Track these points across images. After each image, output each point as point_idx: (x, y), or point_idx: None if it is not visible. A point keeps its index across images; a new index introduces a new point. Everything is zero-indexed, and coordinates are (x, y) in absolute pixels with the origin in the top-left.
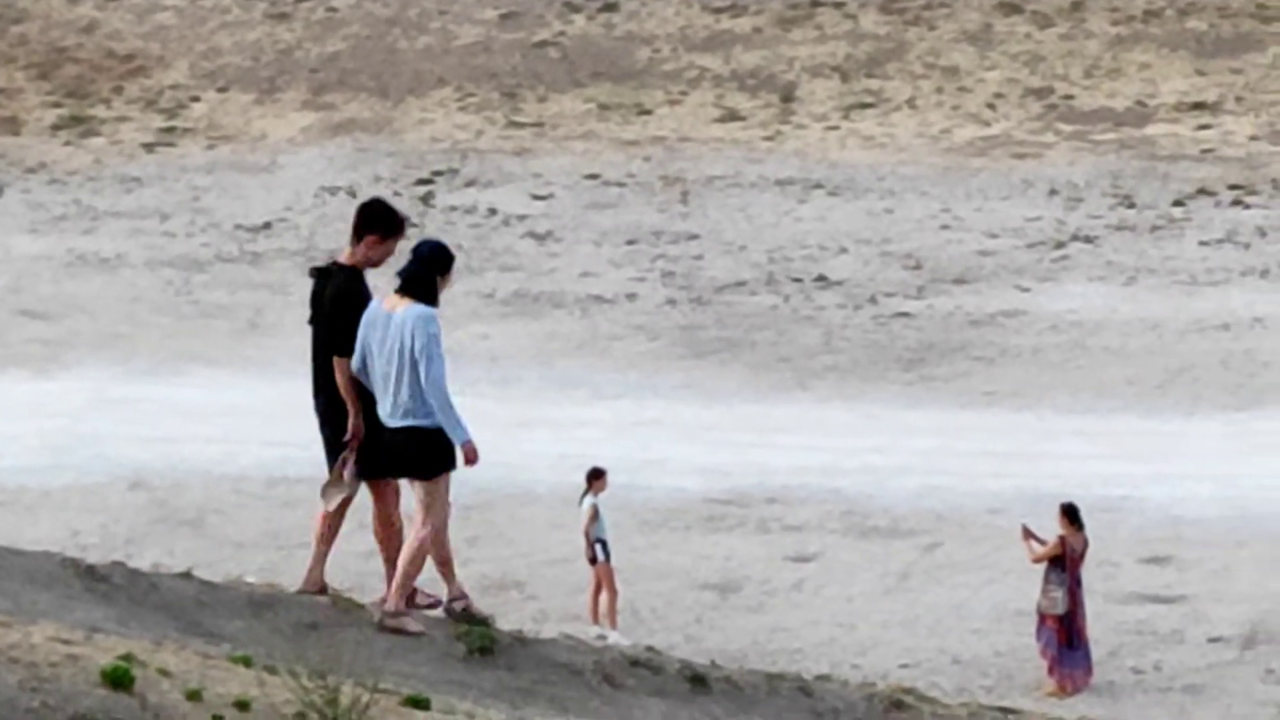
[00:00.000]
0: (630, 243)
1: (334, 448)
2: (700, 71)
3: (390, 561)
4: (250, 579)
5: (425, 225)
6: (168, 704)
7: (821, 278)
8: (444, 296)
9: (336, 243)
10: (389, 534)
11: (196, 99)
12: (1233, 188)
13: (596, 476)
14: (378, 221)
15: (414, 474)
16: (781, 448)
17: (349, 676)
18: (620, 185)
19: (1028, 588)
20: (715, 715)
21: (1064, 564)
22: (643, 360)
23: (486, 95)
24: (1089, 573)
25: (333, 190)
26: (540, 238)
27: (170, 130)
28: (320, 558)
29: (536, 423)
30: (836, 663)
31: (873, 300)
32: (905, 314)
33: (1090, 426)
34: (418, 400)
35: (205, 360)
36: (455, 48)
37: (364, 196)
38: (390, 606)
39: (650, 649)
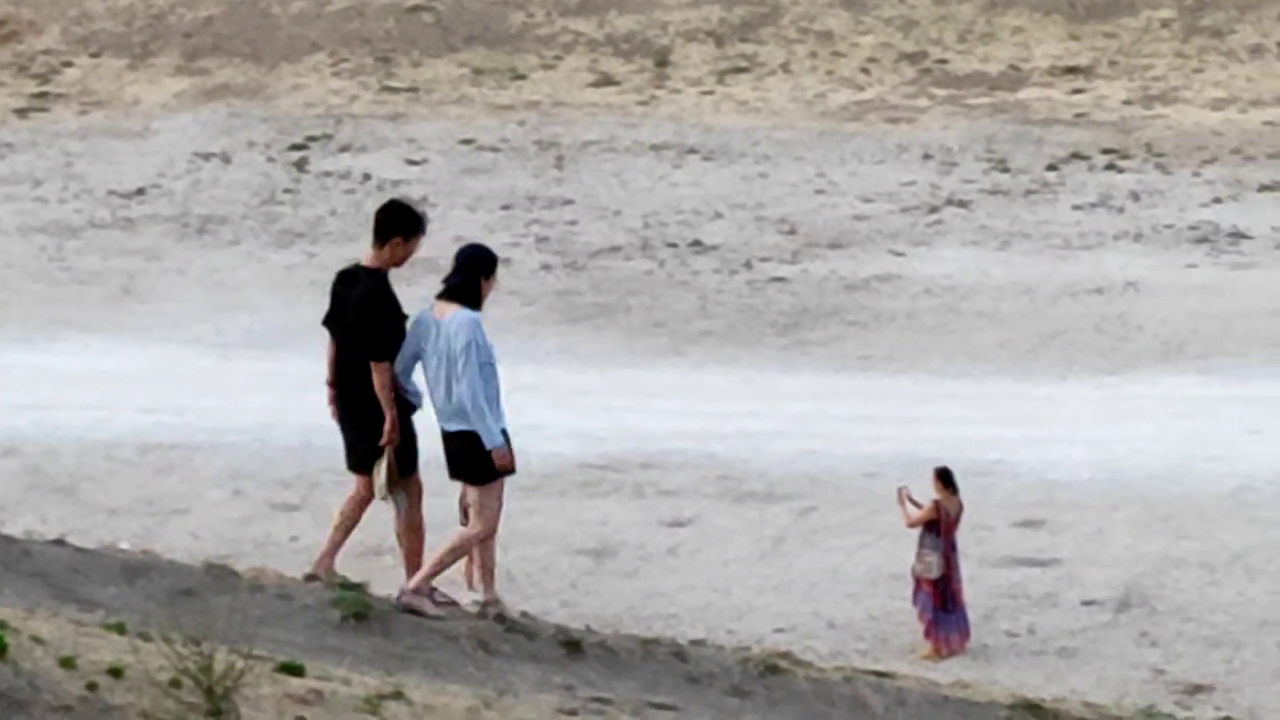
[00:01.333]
0: (505, 208)
1: (356, 450)
2: (575, 36)
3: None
4: (124, 545)
5: (300, 191)
6: (41, 671)
7: (696, 243)
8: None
9: (211, 209)
10: (410, 536)
11: (69, 64)
12: (1106, 152)
13: None
14: (401, 223)
15: (466, 478)
16: (657, 413)
17: (223, 643)
18: (495, 150)
19: (903, 552)
20: (589, 680)
21: (939, 528)
22: (518, 325)
23: (360, 60)
24: (963, 536)
25: (206, 156)
26: (415, 203)
27: (43, 96)
28: (334, 545)
29: None
30: (712, 627)
31: (748, 265)
32: (780, 279)
33: (964, 390)
34: (468, 405)
35: (78, 326)
36: (328, 13)
37: (239, 163)
38: (412, 585)
39: (525, 614)
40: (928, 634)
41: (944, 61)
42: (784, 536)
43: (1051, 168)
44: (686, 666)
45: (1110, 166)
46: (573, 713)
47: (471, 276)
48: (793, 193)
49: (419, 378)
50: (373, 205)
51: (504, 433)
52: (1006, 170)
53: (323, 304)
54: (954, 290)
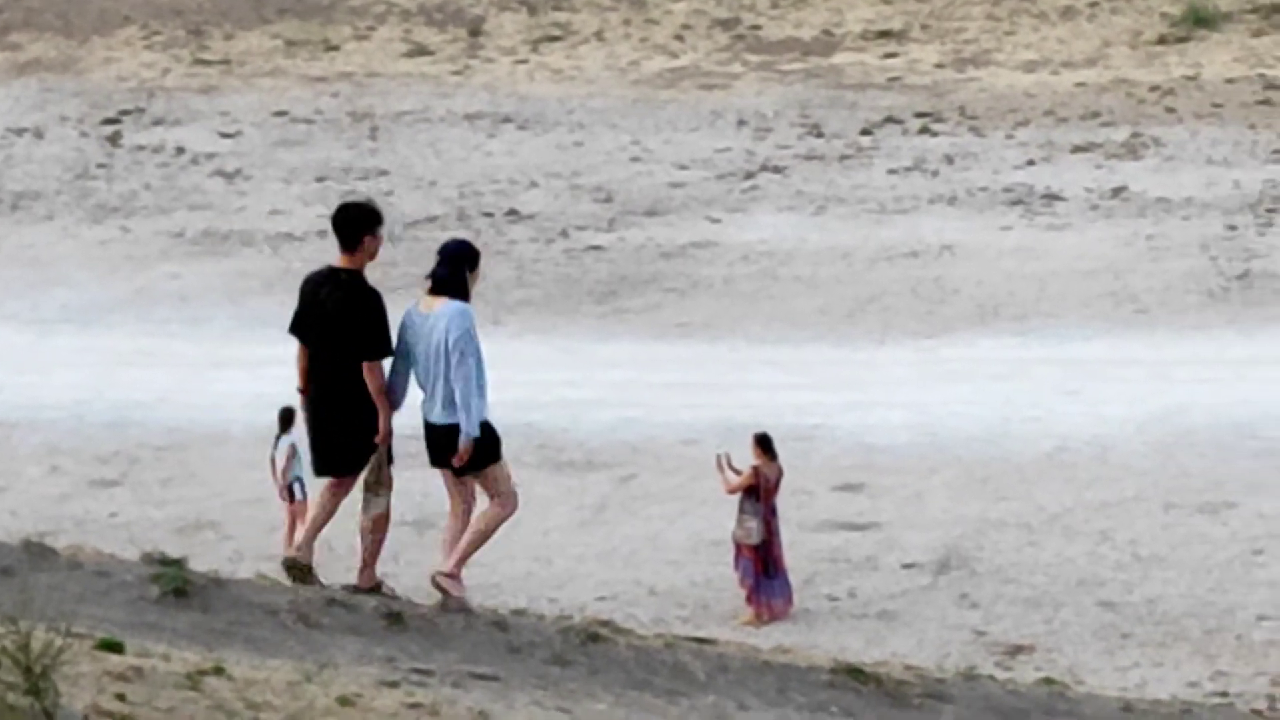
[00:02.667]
0: (320, 179)
1: (347, 451)
2: (387, 6)
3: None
4: None
5: (113, 165)
6: None
7: (513, 212)
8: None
9: (24, 184)
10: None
11: None
12: (920, 115)
13: (290, 416)
14: (367, 221)
15: (460, 470)
16: None
17: (41, 621)
18: (309, 122)
19: (723, 518)
20: (411, 652)
21: (758, 494)
22: None
23: (173, 33)
24: (784, 501)
25: (19, 131)
26: (229, 176)
27: None
28: (310, 535)
29: (229, 362)
30: (534, 597)
31: (564, 234)
32: (597, 247)
33: (782, 356)
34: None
35: None
36: None
37: (51, 138)
38: (447, 568)
39: (346, 587)
40: (750, 599)
41: (757, 28)
42: (604, 505)
43: (866, 132)
44: (507, 636)
45: (924, 130)
46: (394, 684)
47: (457, 269)
48: (608, 161)
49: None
50: (187, 179)
51: (486, 423)
52: (821, 135)
53: (140, 277)
54: (771, 256)
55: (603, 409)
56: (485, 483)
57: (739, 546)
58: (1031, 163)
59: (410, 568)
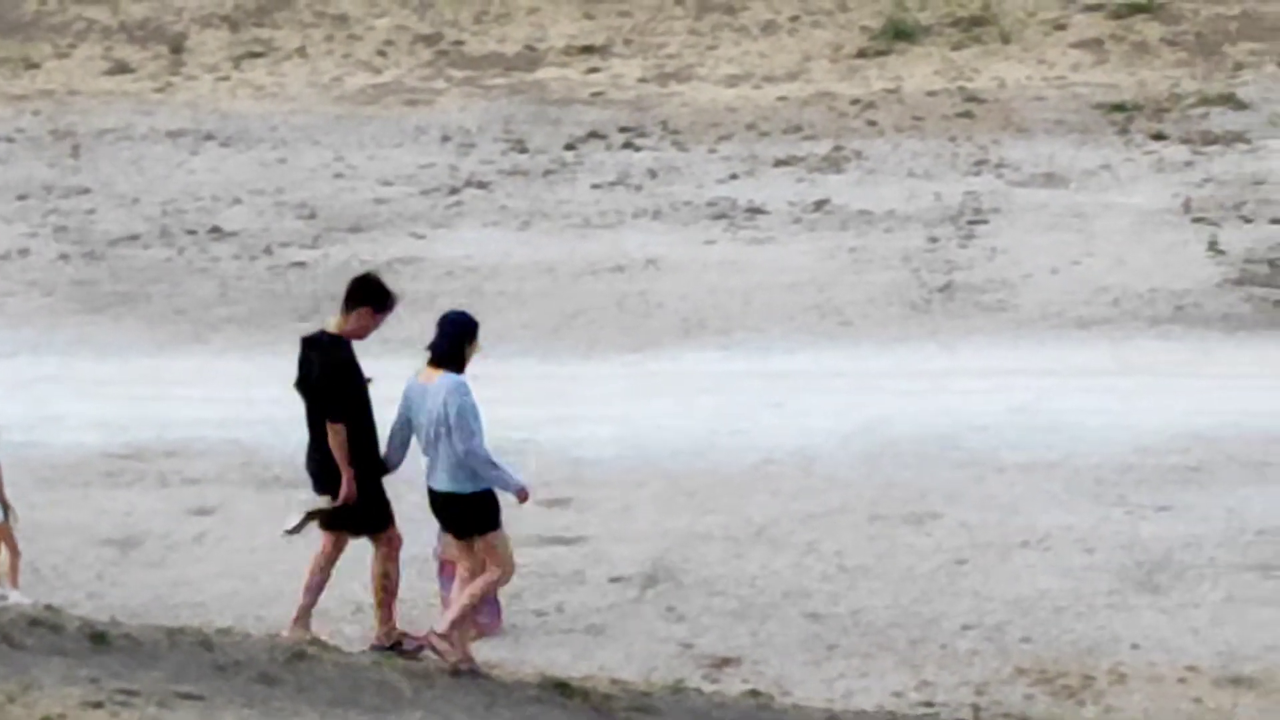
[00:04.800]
0: (21, 198)
1: (343, 507)
2: (88, 23)
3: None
4: None
5: None
6: None
7: (216, 229)
8: None
9: None
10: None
11: None
12: (623, 130)
13: None
14: (373, 296)
15: (461, 535)
16: (180, 400)
17: None
18: (9, 140)
19: (428, 535)
20: (115, 671)
21: None
22: (37, 316)
23: None
24: None
25: None
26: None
27: None
28: (304, 609)
29: None
30: (240, 615)
31: (268, 251)
32: (301, 264)
33: (489, 371)
34: (458, 466)
35: None
36: None
37: None
38: (440, 629)
39: (50, 607)
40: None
41: (460, 43)
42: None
43: (569, 147)
44: (213, 655)
45: (628, 145)
46: (98, 705)
47: (456, 343)
48: (312, 177)
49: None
50: None
51: (490, 491)
52: (525, 150)
53: None
54: (476, 271)
55: (305, 427)
56: (484, 546)
57: (443, 563)
58: (735, 176)
59: (115, 587)
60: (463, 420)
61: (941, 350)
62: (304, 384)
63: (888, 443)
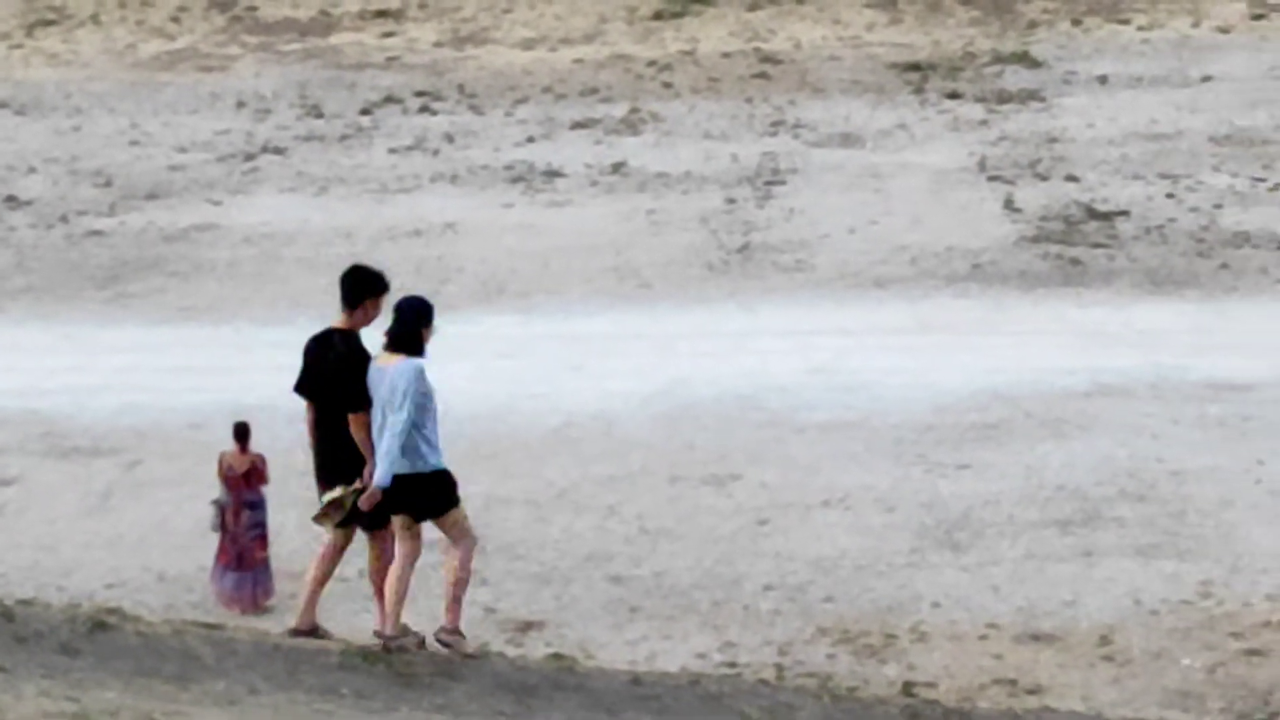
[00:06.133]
0: None
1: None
2: None
3: (380, 596)
4: None
5: None
6: None
7: (11, 198)
8: None
9: None
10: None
11: None
12: (420, 94)
13: None
14: (371, 285)
15: (422, 515)
16: None
17: None
18: None
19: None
20: None
21: (228, 483)
22: None
23: None
24: (278, 487)
25: None
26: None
27: None
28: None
29: None
30: (41, 586)
31: (64, 219)
32: (98, 232)
33: (287, 338)
34: (415, 447)
35: None
36: None
37: None
38: (449, 624)
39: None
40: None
41: (254, 9)
42: (111, 491)
43: (365, 112)
44: (14, 626)
45: (424, 109)
46: None
47: (413, 327)
48: (107, 145)
49: None
50: None
51: (446, 471)
52: (321, 116)
53: None
54: (273, 238)
55: (107, 394)
56: (445, 526)
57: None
58: (531, 140)
59: None
60: (399, 396)
61: (741, 311)
62: (311, 384)
63: (688, 404)
